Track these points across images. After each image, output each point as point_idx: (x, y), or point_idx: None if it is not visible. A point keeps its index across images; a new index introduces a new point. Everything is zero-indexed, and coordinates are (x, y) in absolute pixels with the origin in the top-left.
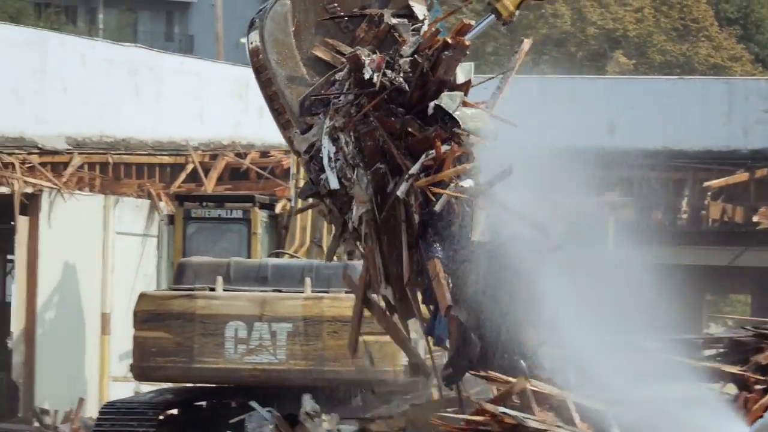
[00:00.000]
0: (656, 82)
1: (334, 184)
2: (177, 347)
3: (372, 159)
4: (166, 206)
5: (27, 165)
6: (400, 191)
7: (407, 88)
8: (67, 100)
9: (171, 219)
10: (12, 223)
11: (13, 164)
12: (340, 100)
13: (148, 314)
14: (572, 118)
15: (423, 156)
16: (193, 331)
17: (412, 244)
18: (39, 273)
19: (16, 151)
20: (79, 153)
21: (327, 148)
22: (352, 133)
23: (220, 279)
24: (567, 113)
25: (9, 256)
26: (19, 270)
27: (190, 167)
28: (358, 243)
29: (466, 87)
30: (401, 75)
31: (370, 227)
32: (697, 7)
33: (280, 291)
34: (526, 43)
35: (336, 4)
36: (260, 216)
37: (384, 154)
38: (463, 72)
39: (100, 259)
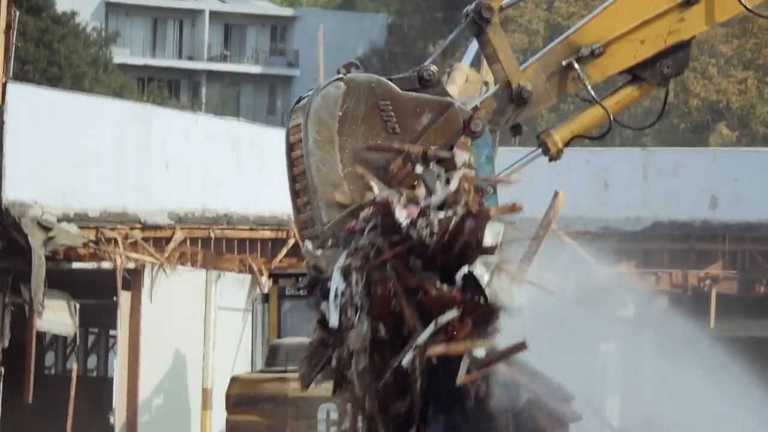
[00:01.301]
0: (759, 154)
1: (334, 321)
2: (269, 431)
3: (380, 309)
4: (267, 282)
5: (129, 240)
6: (405, 361)
7: (431, 242)
8: (169, 174)
9: (265, 298)
10: (114, 298)
11: (115, 239)
12: (362, 239)
13: (240, 398)
14: (675, 191)
15: (433, 323)
16: (285, 414)
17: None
18: (141, 348)
19: (119, 226)
20: (182, 228)
21: (337, 283)
22: (364, 275)
23: None
24: (669, 186)
25: (111, 331)
26: (121, 345)
27: (291, 242)
28: (338, 387)
29: (493, 250)
30: (428, 228)
31: (360, 378)
32: None
33: None
34: (561, 197)
35: (389, 103)
36: None
37: (393, 306)
38: (491, 234)
39: (202, 334)
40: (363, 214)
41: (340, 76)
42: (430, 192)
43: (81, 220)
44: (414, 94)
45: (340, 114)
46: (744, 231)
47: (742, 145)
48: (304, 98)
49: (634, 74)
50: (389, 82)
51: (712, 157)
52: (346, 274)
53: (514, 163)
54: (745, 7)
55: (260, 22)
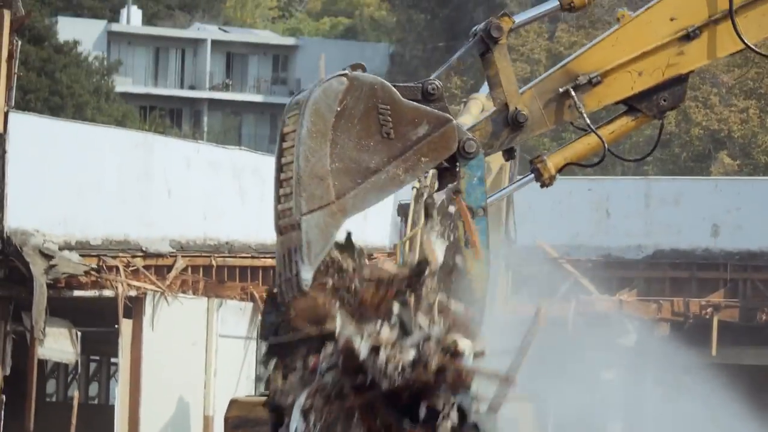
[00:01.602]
0: (761, 182)
1: None
2: None
3: None
4: None
5: (131, 268)
6: None
7: (400, 384)
8: (171, 202)
9: None
10: (116, 326)
11: (117, 267)
12: (324, 376)
13: (239, 420)
14: (676, 220)
15: None
16: None
17: None
18: (142, 376)
19: (121, 254)
20: (183, 256)
21: (296, 423)
22: (324, 417)
23: None
24: (671, 214)
25: (113, 359)
26: (122, 373)
27: None
28: None
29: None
30: (400, 369)
31: None
32: None
33: None
34: (543, 314)
35: (389, 108)
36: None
37: None
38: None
39: (203, 362)
40: (324, 352)
41: (345, 72)
42: (405, 331)
43: (82, 248)
44: (415, 103)
45: (339, 109)
46: (746, 259)
47: (744, 174)
48: (304, 91)
49: (631, 105)
50: (392, 87)
51: (713, 185)
52: (305, 413)
53: (506, 187)
54: (746, 44)
55: (262, 52)
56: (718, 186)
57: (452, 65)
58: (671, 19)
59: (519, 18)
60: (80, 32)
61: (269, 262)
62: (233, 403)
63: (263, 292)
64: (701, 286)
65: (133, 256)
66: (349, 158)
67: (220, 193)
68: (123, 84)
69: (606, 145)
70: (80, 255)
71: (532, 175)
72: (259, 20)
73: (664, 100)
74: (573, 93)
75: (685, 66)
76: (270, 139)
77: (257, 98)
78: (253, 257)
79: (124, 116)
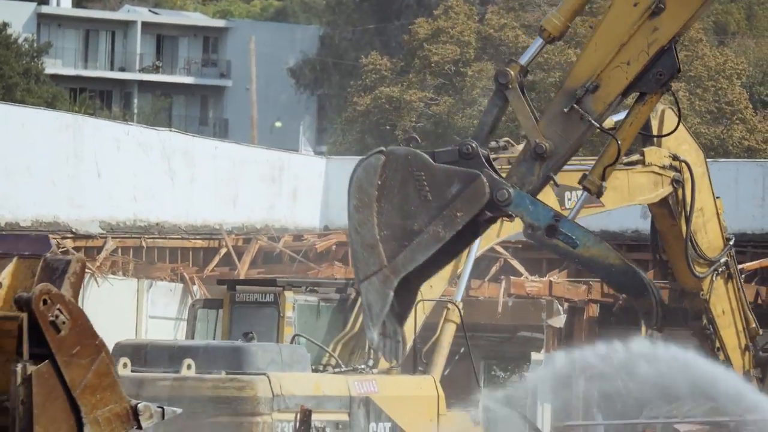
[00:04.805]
0: None
1: None
2: None
3: None
4: (199, 290)
5: (61, 249)
6: None
7: None
8: (101, 184)
9: (210, 303)
10: None
11: None
12: None
13: None
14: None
15: None
16: None
17: None
18: None
19: (51, 236)
20: (113, 237)
21: None
22: None
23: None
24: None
25: None
26: None
27: (223, 251)
28: None
29: None
30: None
31: None
32: (731, 90)
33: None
34: None
35: (423, 174)
36: (290, 300)
37: None
38: None
39: None
40: None
41: (381, 148)
42: None
43: (12, 229)
44: (445, 165)
45: (379, 183)
46: None
47: None
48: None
49: (638, 92)
50: (424, 154)
51: None
52: None
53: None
54: None
55: (192, 33)
56: None
57: (485, 122)
58: (634, 5)
59: (523, 59)
60: (10, 14)
61: (199, 243)
62: None
63: (193, 273)
64: None
65: (63, 238)
66: (394, 224)
67: (150, 175)
68: (53, 66)
69: (619, 142)
70: None
71: (586, 193)
72: (190, 2)
73: (661, 74)
74: (577, 107)
75: (663, 38)
76: (200, 121)
77: (188, 80)
78: (183, 238)
79: (54, 98)
